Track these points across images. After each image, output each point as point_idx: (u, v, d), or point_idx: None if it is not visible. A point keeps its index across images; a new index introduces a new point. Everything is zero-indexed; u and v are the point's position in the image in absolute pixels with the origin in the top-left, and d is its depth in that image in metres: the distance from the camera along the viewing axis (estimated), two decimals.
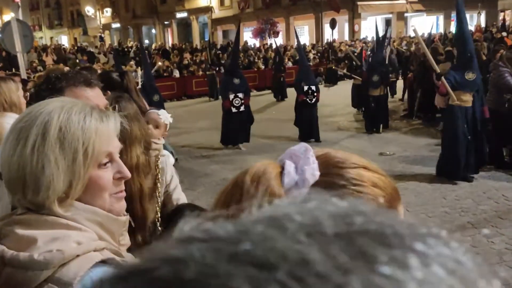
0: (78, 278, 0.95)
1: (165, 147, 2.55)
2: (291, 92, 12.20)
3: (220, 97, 10.87)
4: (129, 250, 1.29)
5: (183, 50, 24.66)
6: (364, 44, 20.08)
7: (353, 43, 24.62)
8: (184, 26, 40.50)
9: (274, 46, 19.22)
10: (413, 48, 14.57)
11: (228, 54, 19.91)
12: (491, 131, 6.83)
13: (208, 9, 36.80)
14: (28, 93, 4.43)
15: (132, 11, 41.66)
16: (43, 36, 48.24)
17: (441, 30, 27.03)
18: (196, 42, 34.28)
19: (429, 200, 5.99)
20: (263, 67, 20.44)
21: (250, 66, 20.21)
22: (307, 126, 9.53)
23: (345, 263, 0.25)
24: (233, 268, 0.25)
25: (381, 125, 10.10)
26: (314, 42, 28.19)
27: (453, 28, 21.38)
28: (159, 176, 1.92)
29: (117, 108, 1.76)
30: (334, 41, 25.55)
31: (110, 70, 8.81)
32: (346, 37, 29.78)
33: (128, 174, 1.16)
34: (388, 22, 29.37)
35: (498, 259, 4.34)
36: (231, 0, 34.89)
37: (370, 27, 27.20)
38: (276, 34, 29.68)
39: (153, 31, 43.04)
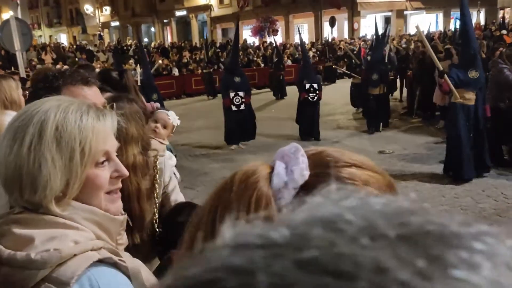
0: (76, 278, 0.95)
1: (167, 148, 2.55)
2: (290, 91, 12.19)
3: (218, 95, 10.85)
4: (127, 249, 1.29)
5: (182, 49, 24.63)
6: (363, 42, 20.06)
7: (352, 41, 24.58)
8: (183, 25, 40.46)
9: (274, 45, 19.17)
10: (412, 46, 14.53)
11: (227, 52, 19.91)
12: (490, 129, 6.82)
13: (207, 7, 36.76)
14: (27, 92, 4.42)
15: (131, 10, 41.58)
16: (42, 35, 48.11)
17: (441, 28, 27.01)
18: (195, 40, 34.26)
19: (428, 198, 5.98)
20: (262, 65, 20.43)
21: (249, 64, 20.19)
22: (308, 125, 9.51)
23: (422, 268, 0.23)
24: (305, 277, 0.23)
25: (381, 124, 10.08)
26: (314, 40, 28.16)
27: (452, 26, 21.34)
28: (157, 177, 1.91)
29: (114, 107, 1.75)
30: (333, 39, 25.52)
31: (109, 69, 8.80)
32: (346, 35, 29.75)
33: (125, 172, 1.16)
34: (387, 20, 29.32)
35: None
36: None
37: (369, 25, 27.18)
38: (275, 32, 29.63)
39: (152, 29, 42.99)
